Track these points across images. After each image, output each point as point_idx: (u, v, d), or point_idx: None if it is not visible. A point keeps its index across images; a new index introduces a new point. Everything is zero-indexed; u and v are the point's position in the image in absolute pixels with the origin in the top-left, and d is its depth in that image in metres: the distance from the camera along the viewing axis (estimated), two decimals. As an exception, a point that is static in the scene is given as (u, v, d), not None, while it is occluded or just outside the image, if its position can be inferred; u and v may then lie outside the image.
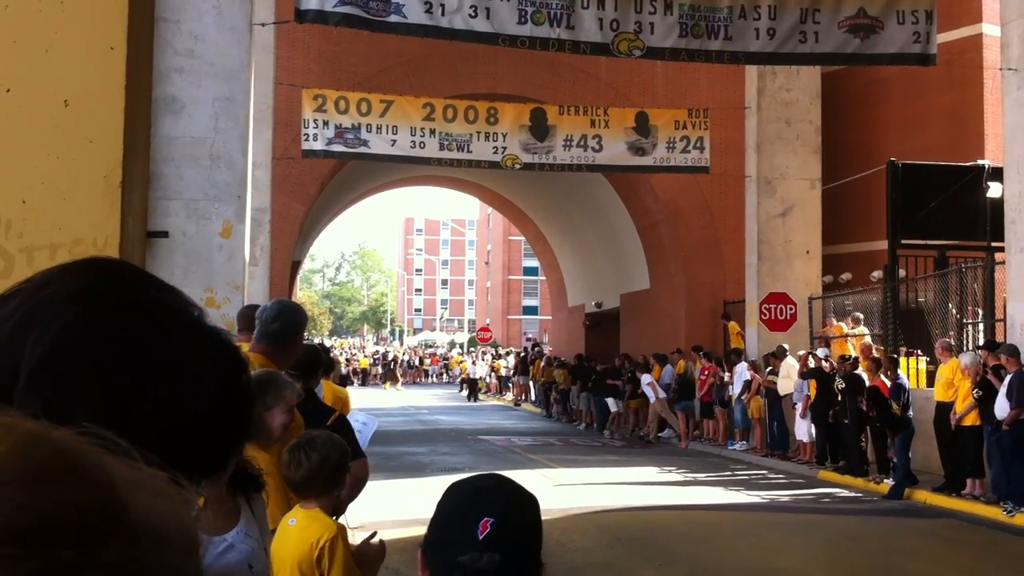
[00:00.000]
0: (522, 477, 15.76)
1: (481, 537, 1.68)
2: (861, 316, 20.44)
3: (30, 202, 5.03)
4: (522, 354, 45.62)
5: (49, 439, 0.64)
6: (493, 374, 49.01)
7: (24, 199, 5.05)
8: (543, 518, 1.84)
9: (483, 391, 47.22)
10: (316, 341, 24.58)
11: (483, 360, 51.28)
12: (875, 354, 17.41)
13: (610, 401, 27.58)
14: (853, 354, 18.38)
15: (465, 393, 47.27)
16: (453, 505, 1.75)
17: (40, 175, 5.00)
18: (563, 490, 15.60)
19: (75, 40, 5.08)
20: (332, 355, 14.77)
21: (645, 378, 24.50)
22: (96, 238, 5.11)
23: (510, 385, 44.69)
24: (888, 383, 16.07)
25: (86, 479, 0.63)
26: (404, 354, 66.88)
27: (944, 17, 18.28)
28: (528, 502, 1.80)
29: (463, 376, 50.37)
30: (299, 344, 5.07)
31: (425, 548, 1.73)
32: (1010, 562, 11.46)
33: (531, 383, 38.91)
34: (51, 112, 5.02)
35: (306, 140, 20.99)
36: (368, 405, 26.31)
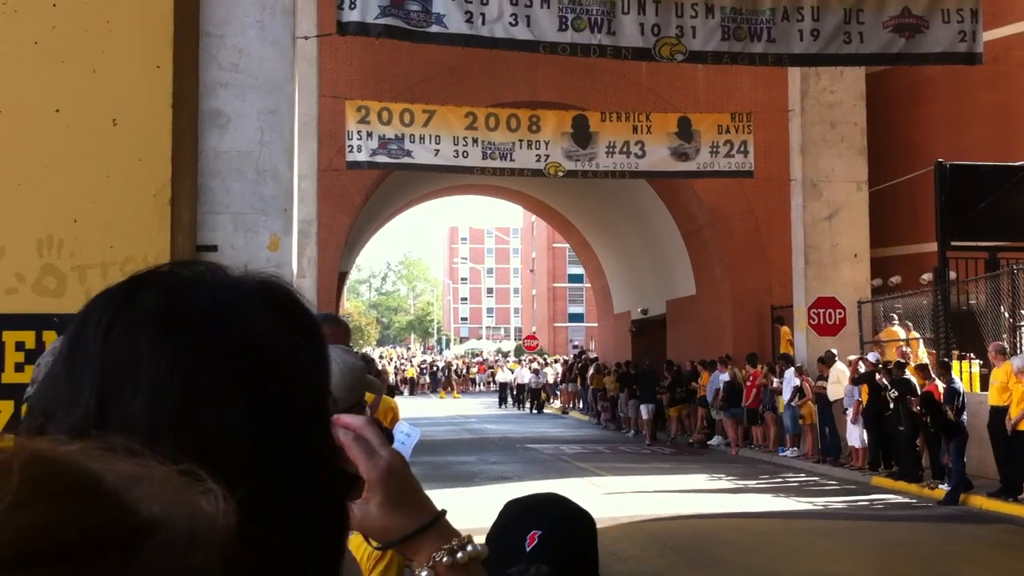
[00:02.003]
0: (571, 485, 15.82)
1: (528, 549, 1.68)
2: (910, 324, 20.20)
3: (81, 221, 5.10)
4: (569, 361, 45.59)
5: (48, 456, 0.62)
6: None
7: (75, 218, 5.11)
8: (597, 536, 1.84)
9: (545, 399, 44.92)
10: (363, 351, 24.70)
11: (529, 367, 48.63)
12: (913, 359, 17.21)
13: (643, 408, 27.91)
14: (899, 360, 18.17)
15: (505, 402, 46.92)
16: (505, 520, 1.76)
17: (90, 194, 5.07)
18: (612, 498, 15.54)
19: (122, 59, 5.14)
20: (380, 365, 14.83)
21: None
22: (147, 255, 5.17)
23: (557, 393, 44.56)
24: (941, 387, 15.86)
25: (84, 487, 0.61)
26: (440, 362, 67.19)
27: (989, 15, 18.03)
28: (579, 516, 1.80)
29: (504, 383, 49.32)
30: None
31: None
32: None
33: (583, 391, 38.95)
34: (100, 131, 5.09)
35: (350, 151, 21.11)
36: (416, 414, 26.42)
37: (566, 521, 1.77)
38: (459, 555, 1.14)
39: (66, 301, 5.10)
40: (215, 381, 0.77)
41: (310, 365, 0.84)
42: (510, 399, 46.87)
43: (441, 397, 55.54)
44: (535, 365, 47.02)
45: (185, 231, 5.59)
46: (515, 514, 1.77)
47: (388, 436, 5.42)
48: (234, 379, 0.78)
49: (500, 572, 1.67)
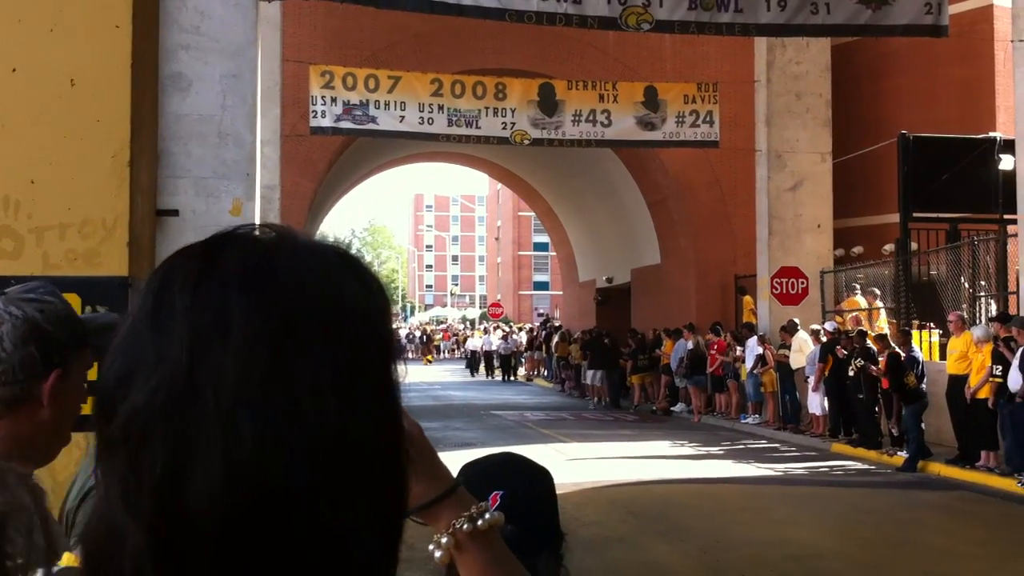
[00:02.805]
0: (535, 452, 15.85)
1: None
2: (878, 292, 20.37)
3: (38, 182, 5.03)
4: (533, 329, 45.62)
5: None
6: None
7: (32, 179, 5.04)
8: (557, 493, 1.84)
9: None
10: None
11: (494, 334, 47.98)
12: (875, 328, 17.40)
13: (590, 373, 29.05)
14: (860, 328, 18.35)
15: (473, 369, 46.76)
16: (464, 483, 1.75)
17: (48, 155, 4.99)
18: (576, 464, 15.63)
19: (80, 19, 5.05)
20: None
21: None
22: (105, 217, 5.11)
23: (522, 360, 44.49)
24: (902, 356, 16.04)
25: None
26: (417, 330, 67.11)
27: (955, -13, 18.11)
28: (539, 474, 1.81)
29: (474, 351, 49.19)
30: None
31: None
32: (1023, 534, 11.45)
33: (547, 358, 39.01)
34: (57, 91, 5.01)
35: (314, 117, 20.93)
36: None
37: (526, 479, 1.77)
38: (479, 522, 1.15)
39: (23, 263, 5.03)
40: (305, 342, 0.77)
41: (386, 329, 0.84)
42: (482, 367, 46.34)
43: (429, 362, 57.01)
44: (502, 331, 46.72)
45: (144, 193, 5.53)
46: (474, 476, 1.76)
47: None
48: (323, 341, 0.77)
49: None
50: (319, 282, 0.80)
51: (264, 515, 0.72)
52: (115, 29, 5.14)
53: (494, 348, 44.64)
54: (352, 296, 0.81)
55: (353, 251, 0.88)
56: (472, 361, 48.33)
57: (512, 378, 42.22)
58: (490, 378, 43.64)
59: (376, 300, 0.84)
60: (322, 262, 0.82)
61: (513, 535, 1.66)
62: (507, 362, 43.09)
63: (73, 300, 4.98)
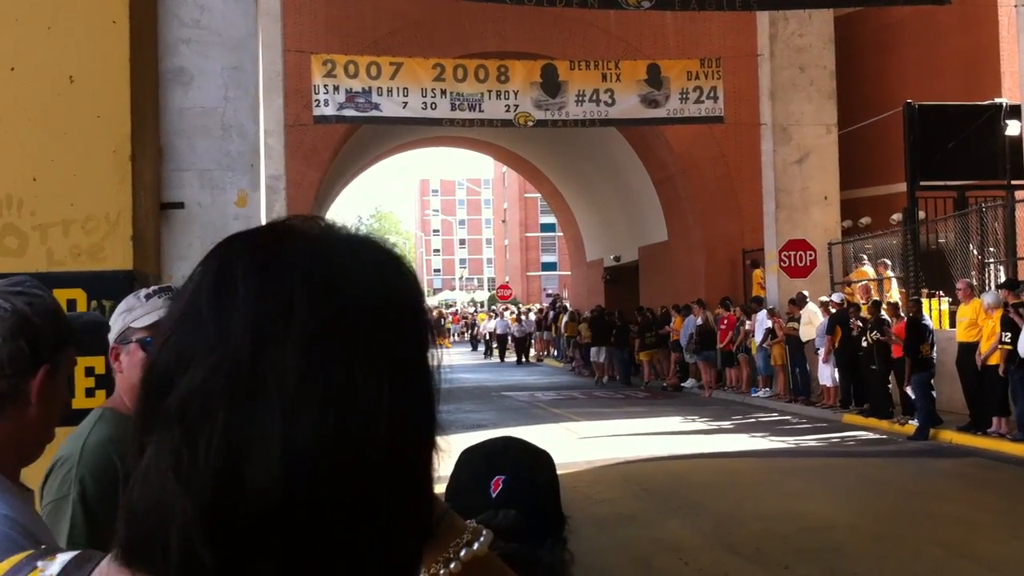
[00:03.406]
0: (546, 431, 15.93)
1: (494, 496, 1.68)
2: (888, 262, 20.35)
3: (40, 180, 5.05)
4: (543, 309, 45.57)
5: None
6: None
7: (34, 177, 5.07)
8: (569, 471, 1.85)
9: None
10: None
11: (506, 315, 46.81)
12: (876, 296, 17.35)
13: (593, 351, 29.44)
14: (876, 299, 18.34)
15: (487, 352, 46.56)
16: (465, 471, 1.75)
17: (49, 152, 5.02)
18: (588, 443, 15.66)
19: (77, 15, 5.07)
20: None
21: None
22: (108, 212, 5.13)
23: (532, 341, 44.41)
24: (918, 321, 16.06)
25: None
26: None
27: (957, -46, 18.00)
28: (540, 458, 1.80)
29: (485, 334, 48.98)
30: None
31: None
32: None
33: (556, 338, 38.97)
34: (57, 89, 5.03)
35: (317, 106, 20.94)
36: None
37: (528, 463, 1.76)
38: (475, 547, 1.11)
39: (27, 260, 5.07)
40: (365, 334, 0.79)
41: (430, 322, 0.86)
42: (495, 349, 45.54)
43: (447, 346, 57.26)
44: (512, 313, 45.99)
45: (147, 188, 5.55)
46: (474, 462, 1.75)
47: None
48: (382, 334, 0.80)
49: None
50: (374, 276, 0.83)
51: (317, 500, 0.75)
52: (112, 25, 5.16)
53: (509, 331, 43.82)
54: (404, 291, 0.84)
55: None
56: (488, 345, 47.78)
57: (526, 360, 41.63)
58: (501, 361, 43.16)
59: (421, 292, 0.87)
60: (374, 256, 0.85)
61: (516, 520, 1.67)
62: (521, 344, 42.31)
63: (79, 295, 5.02)
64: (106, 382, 4.72)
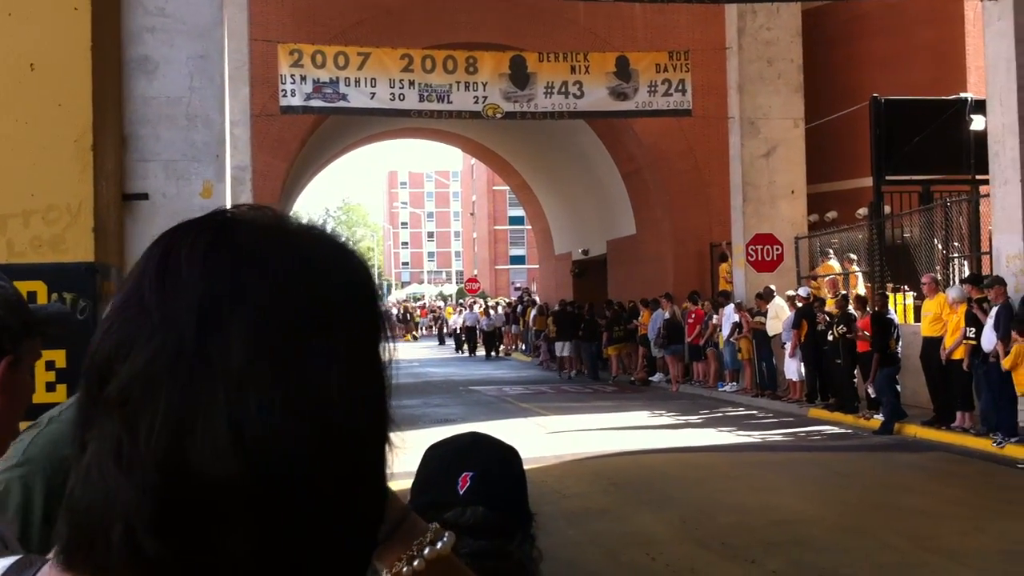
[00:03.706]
0: (515, 426, 15.90)
1: (462, 492, 1.66)
2: (854, 257, 20.45)
3: (0, 169, 4.95)
4: (511, 303, 45.52)
5: None
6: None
7: (-6, 166, 4.97)
8: (538, 466, 1.82)
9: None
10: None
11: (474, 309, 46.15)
12: (844, 290, 17.44)
13: (558, 345, 29.81)
14: (843, 292, 18.42)
15: (458, 346, 46.28)
16: (432, 467, 1.73)
17: (9, 141, 4.92)
18: (556, 437, 15.64)
19: (38, 2, 4.96)
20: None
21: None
22: (70, 203, 5.04)
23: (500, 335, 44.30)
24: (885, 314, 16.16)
25: None
26: (393, 308, 67.01)
27: (924, -51, 18.10)
28: (507, 454, 1.78)
29: (455, 328, 48.63)
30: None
31: None
32: (1001, 492, 11.56)
33: (524, 332, 38.89)
34: (17, 76, 4.93)
35: (284, 96, 20.79)
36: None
37: (495, 459, 1.75)
38: (439, 545, 1.10)
39: (-11, 252, 4.96)
40: (318, 320, 0.77)
41: (382, 312, 0.85)
42: (465, 343, 44.94)
43: (414, 339, 57.62)
44: (480, 307, 45.94)
45: (109, 178, 5.45)
46: (441, 459, 1.73)
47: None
48: (335, 321, 0.78)
49: (434, 520, 1.64)
50: (326, 262, 0.81)
51: (264, 481, 0.73)
52: (74, 12, 5.06)
53: (478, 324, 43.34)
54: (356, 278, 0.82)
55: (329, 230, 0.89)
56: (458, 339, 47.24)
57: (496, 354, 41.17)
58: (471, 355, 42.73)
59: (374, 283, 0.85)
60: (326, 244, 0.83)
61: (485, 518, 1.64)
62: (490, 338, 41.74)
63: (40, 287, 4.92)
64: (68, 376, 4.63)
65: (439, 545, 1.10)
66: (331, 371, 0.76)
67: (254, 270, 0.77)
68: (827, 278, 20.46)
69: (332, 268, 0.81)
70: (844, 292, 18.35)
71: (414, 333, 61.37)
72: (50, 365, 4.55)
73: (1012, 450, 13.21)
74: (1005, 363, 13.25)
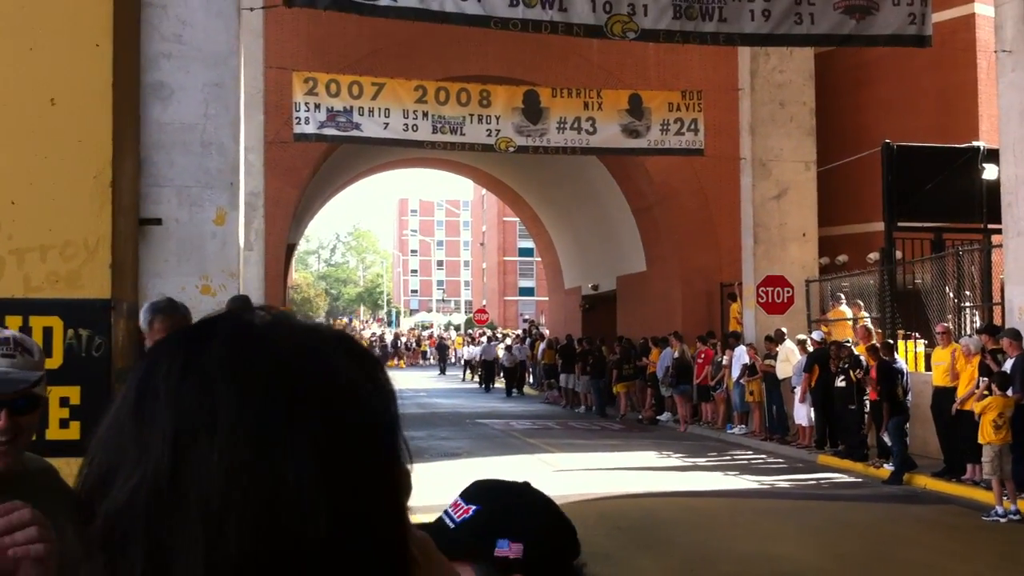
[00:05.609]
0: (521, 462, 15.80)
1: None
2: (861, 303, 20.39)
3: (19, 203, 4.94)
4: (520, 336, 45.39)
5: None
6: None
7: (13, 200, 4.96)
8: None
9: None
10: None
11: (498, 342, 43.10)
12: (875, 340, 17.28)
13: (563, 376, 30.11)
14: (850, 339, 18.33)
15: (472, 379, 45.12)
16: (482, 521, 1.55)
17: (28, 176, 4.91)
18: (562, 476, 15.55)
19: (60, 38, 4.97)
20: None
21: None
22: (87, 238, 5.03)
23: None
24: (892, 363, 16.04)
25: None
26: (403, 336, 67.07)
27: (937, -2, 18.14)
28: (564, 528, 1.65)
29: (471, 359, 47.39)
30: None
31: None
32: (1005, 547, 11.43)
33: (532, 366, 38.59)
34: (38, 111, 4.93)
35: (298, 124, 20.84)
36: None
37: (551, 534, 1.63)
38: None
39: (4, 284, 4.95)
40: (292, 432, 0.74)
41: (387, 415, 0.80)
42: (472, 375, 42.75)
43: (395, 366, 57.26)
44: (499, 338, 43.81)
45: (127, 212, 5.45)
46: (494, 516, 1.57)
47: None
48: (311, 428, 0.74)
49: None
50: (308, 363, 0.76)
51: None
52: (95, 48, 5.06)
53: (492, 358, 40.37)
54: (344, 376, 0.77)
55: (344, 331, 0.85)
56: (473, 370, 44.46)
57: (519, 392, 37.93)
58: (487, 391, 39.58)
59: (373, 380, 0.80)
60: (314, 341, 0.79)
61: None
62: (512, 374, 38.61)
63: (56, 323, 4.89)
64: (82, 413, 4.60)
65: None
66: (317, 487, 0.72)
67: (227, 387, 0.73)
68: (837, 322, 20.38)
69: (321, 371, 0.77)
70: (847, 340, 18.25)
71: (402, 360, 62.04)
72: (64, 401, 4.53)
73: (1022, 505, 13.07)
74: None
